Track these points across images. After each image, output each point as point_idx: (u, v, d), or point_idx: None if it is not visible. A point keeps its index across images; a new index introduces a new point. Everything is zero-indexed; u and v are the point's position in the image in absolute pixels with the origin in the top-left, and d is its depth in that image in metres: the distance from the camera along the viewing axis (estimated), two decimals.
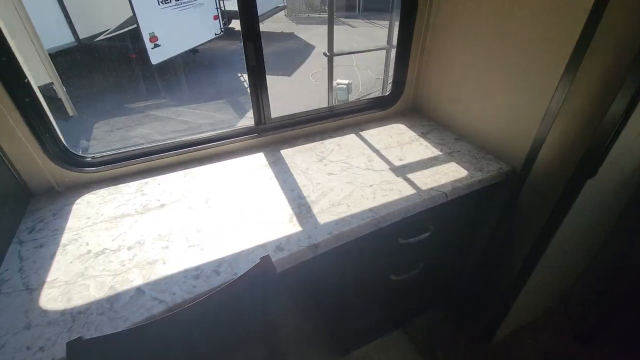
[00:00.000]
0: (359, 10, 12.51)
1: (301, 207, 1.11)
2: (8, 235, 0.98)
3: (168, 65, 6.68)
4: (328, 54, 1.58)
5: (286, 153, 1.41)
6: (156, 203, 1.13)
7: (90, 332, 0.74)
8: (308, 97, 6.58)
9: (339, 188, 1.19)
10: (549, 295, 1.72)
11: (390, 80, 1.66)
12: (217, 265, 0.90)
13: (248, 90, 6.63)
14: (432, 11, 1.45)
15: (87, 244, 0.97)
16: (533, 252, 1.29)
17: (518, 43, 1.15)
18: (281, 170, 1.30)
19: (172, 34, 6.56)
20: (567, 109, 1.05)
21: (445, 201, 1.19)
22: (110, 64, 6.56)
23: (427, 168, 1.30)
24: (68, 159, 1.17)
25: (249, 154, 1.41)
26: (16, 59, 0.99)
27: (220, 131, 1.40)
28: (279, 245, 0.96)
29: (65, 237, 0.99)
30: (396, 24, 1.60)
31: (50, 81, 4.17)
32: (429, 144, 1.46)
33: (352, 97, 6.06)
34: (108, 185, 1.21)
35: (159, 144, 1.32)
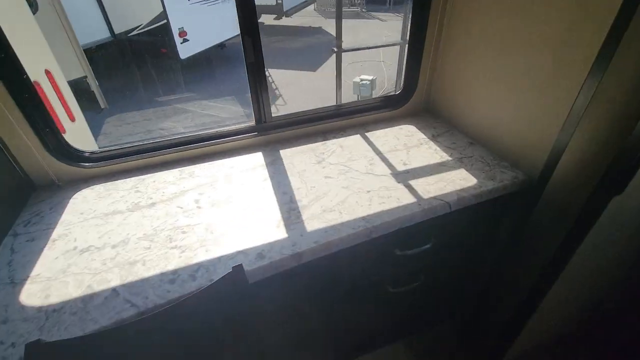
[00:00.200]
0: (389, 4, 12.15)
1: (291, 211, 1.06)
2: (5, 227, 1.02)
3: (196, 60, 6.84)
4: (336, 49, 1.50)
5: (285, 153, 1.37)
6: (148, 201, 1.13)
7: (60, 332, 0.74)
8: (330, 93, 6.49)
9: (334, 193, 1.13)
10: (566, 317, 1.56)
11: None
12: (194, 270, 0.87)
13: (273, 85, 6.65)
14: (447, 4, 1.34)
15: (75, 240, 0.98)
16: (548, 272, 1.17)
17: (540, 40, 1.02)
18: (277, 171, 1.26)
19: (201, 29, 6.70)
20: (592, 114, 0.92)
21: (448, 212, 1.09)
22: (142, 58, 6.81)
23: (432, 174, 1.20)
24: (68, 154, 1.19)
25: (248, 153, 1.38)
26: (15, 55, 1.01)
27: (219, 129, 1.38)
28: (260, 252, 0.92)
29: (56, 232, 1.01)
30: None
31: (83, 74, 4.39)
32: (438, 148, 1.36)
33: (376, 93, 5.90)
34: (106, 181, 1.23)
35: (157, 140, 1.31)
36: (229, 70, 7.46)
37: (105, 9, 5.97)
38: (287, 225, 1.00)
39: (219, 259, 0.90)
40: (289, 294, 1.07)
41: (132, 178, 1.24)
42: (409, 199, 1.09)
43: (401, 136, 1.46)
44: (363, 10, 12.76)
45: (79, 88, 4.29)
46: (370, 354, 1.62)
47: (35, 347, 0.61)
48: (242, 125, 1.40)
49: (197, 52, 6.70)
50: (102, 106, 4.88)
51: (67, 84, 2.80)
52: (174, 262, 0.90)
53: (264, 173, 1.25)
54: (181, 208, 1.09)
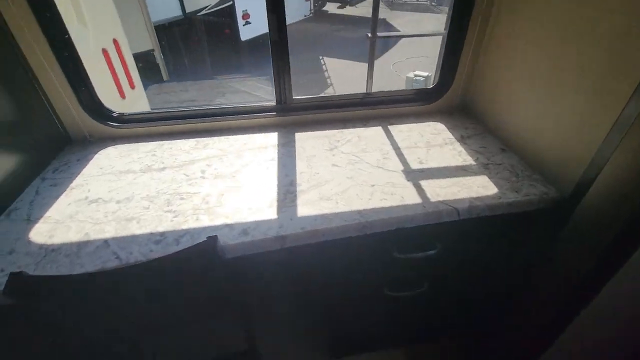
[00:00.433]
0: None
1: (288, 194, 1.04)
2: (37, 171, 1.14)
3: (256, 43, 7.05)
4: (370, 35, 1.42)
5: (300, 136, 1.34)
6: (159, 165, 1.18)
7: (51, 269, 0.80)
8: (378, 86, 6.29)
9: (336, 182, 1.09)
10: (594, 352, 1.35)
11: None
12: (180, 235, 0.90)
13: (325, 73, 6.62)
14: None
15: (88, 191, 1.06)
16: (572, 303, 1.01)
17: (596, 36, 0.86)
18: (287, 153, 1.24)
19: (263, 12, 6.87)
20: None
21: (456, 219, 0.99)
22: (207, 37, 7.18)
23: (447, 177, 1.10)
24: (100, 112, 1.29)
25: (264, 132, 1.38)
26: (60, 15, 1.10)
27: (240, 105, 1.40)
28: (246, 229, 0.91)
29: (75, 182, 1.10)
30: None
31: (151, 48, 4.75)
32: (463, 150, 1.24)
33: None
34: (130, 142, 1.31)
35: (181, 110, 1.37)
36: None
37: None
38: (280, 207, 0.99)
39: (205, 228, 0.92)
40: (276, 277, 1.06)
41: (153, 142, 1.31)
42: (413, 199, 1.01)
43: (426, 133, 1.35)
44: (433, 3, 12.10)
45: (145, 60, 4.68)
46: (365, 356, 1.57)
47: (18, 277, 0.68)
48: (263, 104, 1.40)
49: (257, 35, 6.90)
50: (165, 78, 5.27)
51: (131, 54, 3.05)
52: (165, 224, 0.93)
53: (274, 153, 1.25)
54: (187, 176, 1.13)
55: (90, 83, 1.24)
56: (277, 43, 1.25)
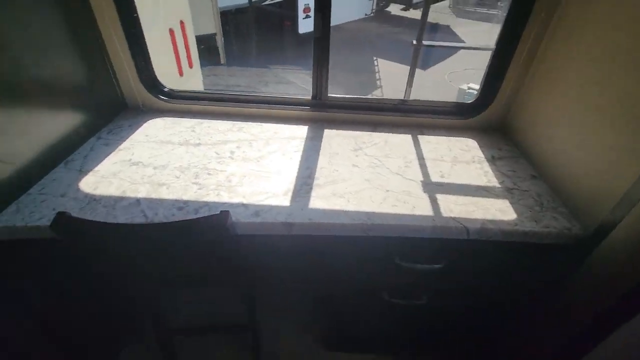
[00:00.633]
0: None
1: (304, 186, 1.09)
2: (95, 130, 1.30)
3: (311, 37, 7.17)
4: (415, 42, 1.42)
5: (328, 133, 1.39)
6: (196, 141, 1.29)
7: (90, 216, 0.93)
8: (426, 95, 6.11)
9: (353, 182, 1.12)
10: None
11: None
12: (200, 206, 0.99)
13: (377, 75, 6.58)
14: (556, 10, 1.13)
15: (132, 154, 1.20)
16: (576, 346, 0.96)
17: None
18: (312, 147, 1.30)
19: None
20: None
21: (465, 238, 0.98)
22: (267, 27, 7.44)
23: (465, 195, 1.08)
24: (154, 86, 1.43)
25: (296, 124, 1.44)
26: None
27: (278, 96, 1.47)
28: (258, 210, 0.98)
29: (124, 145, 1.25)
30: None
31: (214, 32, 5.03)
32: (490, 171, 1.21)
33: None
34: (174, 117, 1.44)
35: (224, 93, 1.47)
36: (339, 52, 7.61)
37: None
38: (294, 197, 1.04)
39: (223, 204, 1.00)
40: (280, 261, 1.13)
41: (194, 119, 1.43)
42: (424, 210, 1.01)
43: (455, 148, 1.33)
44: (504, 15, 11.40)
45: (207, 43, 4.98)
46: (358, 357, 1.59)
47: (62, 216, 0.80)
48: (299, 98, 1.46)
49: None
50: (222, 61, 5.56)
51: (194, 36, 3.28)
52: (189, 194, 1.03)
53: (300, 145, 1.30)
54: (217, 154, 1.23)
55: (150, 59, 1.38)
56: (320, 40, 1.30)
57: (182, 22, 3.09)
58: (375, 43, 8.69)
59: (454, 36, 9.72)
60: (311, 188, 1.08)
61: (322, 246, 1.07)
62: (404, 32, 9.74)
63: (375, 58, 7.87)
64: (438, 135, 1.41)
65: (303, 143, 1.32)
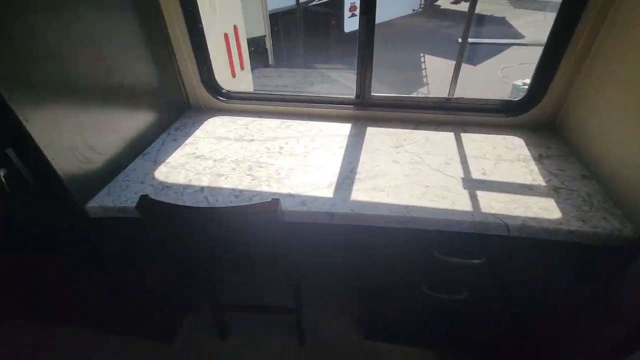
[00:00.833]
0: None
1: (346, 179, 1.17)
2: (165, 127, 1.49)
3: (357, 35, 7.18)
4: (460, 40, 1.42)
5: (370, 131, 1.45)
6: (249, 137, 1.43)
7: (163, 199, 1.10)
8: (475, 92, 5.82)
9: (393, 177, 1.17)
10: None
11: None
12: (254, 195, 1.11)
13: (424, 72, 6.42)
14: (612, 3, 1.08)
15: (196, 149, 1.36)
16: (619, 351, 0.93)
17: None
18: (355, 144, 1.37)
19: None
20: None
21: (505, 234, 0.99)
22: (314, 27, 7.58)
23: (508, 193, 1.08)
24: (214, 88, 1.60)
25: (340, 122, 1.52)
26: (198, 7, 1.40)
27: (324, 95, 1.56)
28: (304, 200, 1.08)
29: (188, 140, 1.42)
30: None
31: (263, 34, 5.28)
32: (536, 170, 1.19)
33: None
34: (230, 115, 1.60)
35: (274, 93, 1.60)
36: (384, 49, 7.53)
37: None
38: (336, 189, 1.13)
39: (273, 193, 1.11)
40: (323, 248, 1.22)
41: (247, 118, 1.57)
42: (464, 206, 1.04)
43: (500, 146, 1.32)
44: None
45: (257, 45, 5.24)
46: (396, 348, 1.63)
47: (144, 198, 0.96)
48: (343, 97, 1.54)
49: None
50: (270, 62, 5.81)
51: (245, 39, 3.50)
52: (244, 184, 1.16)
53: (343, 142, 1.38)
54: (268, 149, 1.35)
55: (211, 64, 1.55)
56: (364, 42, 1.36)
57: (235, 27, 3.32)
58: (423, 39, 8.45)
59: (509, 29, 9.10)
60: (353, 182, 1.16)
61: (362, 237, 1.14)
62: (454, 27, 9.33)
63: (422, 54, 7.67)
64: (483, 134, 1.40)
65: (346, 140, 1.40)
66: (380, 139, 1.39)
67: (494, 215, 1.00)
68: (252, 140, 1.41)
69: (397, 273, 1.24)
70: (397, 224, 1.03)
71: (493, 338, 1.44)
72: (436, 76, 6.72)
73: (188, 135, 1.46)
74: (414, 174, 1.18)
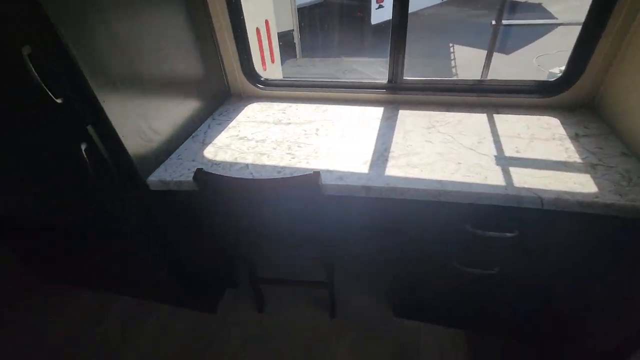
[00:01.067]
0: None
1: (380, 157, 1.23)
2: (209, 113, 1.62)
3: (383, 27, 7.13)
4: (494, 22, 1.44)
5: (403, 113, 1.50)
6: (287, 120, 1.53)
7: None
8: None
9: (426, 155, 1.22)
10: None
11: None
12: (294, 171, 1.20)
13: (453, 62, 6.28)
14: None
15: (239, 131, 1.47)
16: None
17: None
18: (387, 125, 1.42)
19: None
20: None
21: (538, 208, 1.02)
22: (341, 19, 7.60)
23: (542, 169, 1.11)
24: (253, 77, 1.71)
25: (373, 106, 1.58)
26: (241, 2, 1.50)
27: (357, 80, 1.63)
28: (341, 175, 1.16)
29: (231, 124, 1.54)
30: None
31: (291, 29, 5.38)
32: (572, 147, 1.19)
33: None
34: (268, 101, 1.70)
35: (309, 80, 1.68)
36: (416, 39, 7.39)
37: None
38: (372, 166, 1.19)
39: (313, 169, 1.19)
40: (359, 221, 1.29)
41: (284, 103, 1.67)
42: (497, 180, 1.07)
43: (534, 126, 1.33)
44: None
45: (285, 39, 5.35)
46: (425, 326, 1.68)
47: (200, 172, 1.08)
48: (376, 82, 1.60)
49: (386, 19, 6.94)
50: (297, 56, 5.90)
51: (276, 33, 3.60)
52: (284, 162, 1.25)
53: (376, 124, 1.44)
54: (305, 131, 1.44)
55: (251, 54, 1.65)
56: (397, 27, 1.40)
57: (267, 21, 3.43)
58: (453, 28, 8.23)
59: (545, 14, 8.66)
60: (387, 159, 1.22)
61: (396, 211, 1.20)
62: (486, 15, 9.00)
63: (451, 44, 7.48)
64: (516, 115, 1.41)
65: (379, 122, 1.46)
66: (413, 121, 1.43)
67: (527, 189, 1.03)
68: (290, 123, 1.51)
69: (429, 247, 1.29)
70: (430, 197, 1.08)
71: (521, 317, 1.46)
72: (465, 66, 6.55)
73: (230, 119, 1.57)
74: (447, 152, 1.22)
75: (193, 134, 1.47)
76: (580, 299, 1.25)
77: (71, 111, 0.98)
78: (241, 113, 1.62)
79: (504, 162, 1.15)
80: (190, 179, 1.17)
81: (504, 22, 1.42)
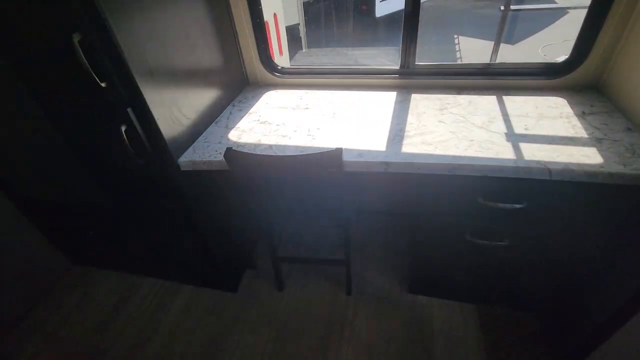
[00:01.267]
0: None
1: (396, 137, 1.31)
2: (230, 100, 1.70)
3: (387, 19, 7.15)
4: (502, 8, 1.50)
5: (415, 97, 1.57)
6: (304, 106, 1.60)
7: None
8: None
9: (439, 133, 1.29)
10: None
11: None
12: (315, 151, 1.28)
13: (457, 54, 6.28)
14: None
15: (260, 116, 1.56)
16: None
17: None
18: (401, 108, 1.50)
19: None
20: None
21: (547, 179, 1.09)
22: (345, 13, 7.62)
23: (550, 144, 1.17)
24: (270, 66, 1.79)
25: (385, 91, 1.65)
26: None
27: (369, 67, 1.70)
28: (360, 153, 1.23)
29: (251, 110, 1.62)
30: None
31: (297, 22, 5.43)
32: (579, 124, 1.26)
33: None
34: (285, 89, 1.78)
35: (324, 67, 1.76)
36: (420, 34, 7.40)
37: None
38: (388, 145, 1.27)
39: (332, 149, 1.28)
40: (377, 196, 1.37)
41: (301, 90, 1.75)
42: (507, 154, 1.14)
43: (541, 106, 1.40)
44: None
45: (291, 33, 5.41)
46: (438, 301, 1.76)
47: (230, 150, 1.17)
48: (388, 67, 1.67)
49: (392, 11, 6.96)
50: (303, 50, 5.96)
51: (284, 27, 3.67)
52: (305, 142, 1.33)
53: (390, 107, 1.52)
54: (323, 115, 1.51)
55: (268, 44, 1.73)
56: (410, 14, 1.47)
57: (275, 15, 3.49)
58: (456, 20, 8.21)
59: (551, 3, 8.60)
60: (402, 138, 1.29)
61: (412, 184, 1.27)
62: (489, 6, 8.96)
63: (455, 35, 7.48)
64: (524, 96, 1.48)
65: (393, 105, 1.53)
66: (425, 104, 1.50)
67: (536, 161, 1.10)
68: (307, 108, 1.58)
69: (443, 220, 1.37)
70: (445, 171, 1.16)
71: (529, 288, 1.54)
72: (471, 57, 6.56)
73: (250, 106, 1.65)
74: (459, 131, 1.29)
75: (216, 120, 1.55)
76: (583, 269, 1.32)
77: (114, 95, 1.07)
78: (260, 100, 1.70)
79: (514, 138, 1.22)
80: (219, 159, 1.26)
81: (512, 7, 1.47)
